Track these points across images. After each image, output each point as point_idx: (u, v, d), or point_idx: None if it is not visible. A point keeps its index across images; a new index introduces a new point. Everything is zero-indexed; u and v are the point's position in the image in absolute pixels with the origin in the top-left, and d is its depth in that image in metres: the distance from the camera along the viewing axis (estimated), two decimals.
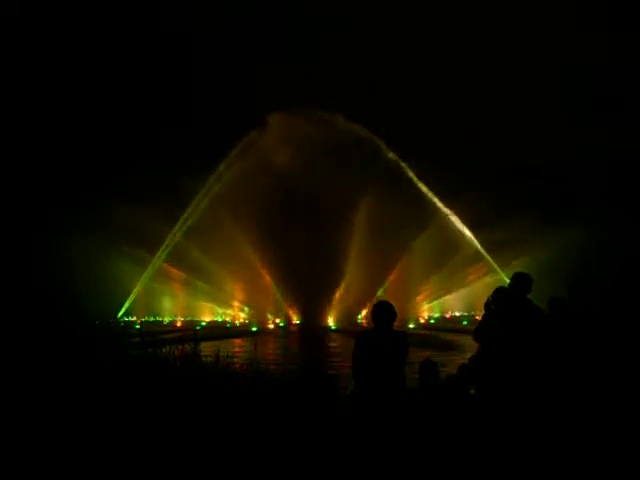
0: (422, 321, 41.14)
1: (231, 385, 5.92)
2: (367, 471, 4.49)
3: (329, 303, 40.18)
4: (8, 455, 4.46)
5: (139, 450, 4.57)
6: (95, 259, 32.86)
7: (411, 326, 34.68)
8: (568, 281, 5.52)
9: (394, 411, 4.73)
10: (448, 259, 39.20)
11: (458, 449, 4.65)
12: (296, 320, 40.99)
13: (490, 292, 5.48)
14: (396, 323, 5.03)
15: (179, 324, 40.45)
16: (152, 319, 42.74)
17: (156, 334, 8.66)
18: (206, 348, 7.39)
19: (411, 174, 39.94)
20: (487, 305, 5.44)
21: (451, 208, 39.86)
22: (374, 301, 5.39)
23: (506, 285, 5.60)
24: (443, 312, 45.48)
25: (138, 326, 30.89)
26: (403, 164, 39.85)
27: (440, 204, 40.06)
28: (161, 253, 40.08)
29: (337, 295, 40.02)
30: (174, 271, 40.76)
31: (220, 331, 31.02)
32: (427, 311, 44.74)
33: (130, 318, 41.00)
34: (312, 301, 39.00)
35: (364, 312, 35.88)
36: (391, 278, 36.94)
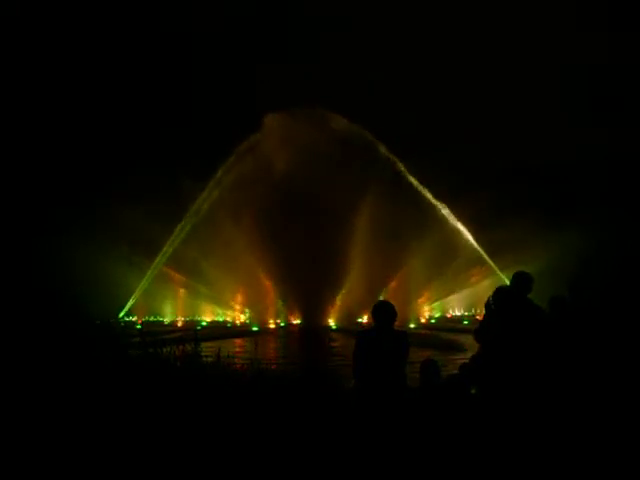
0: (423, 321, 41.15)
1: (232, 385, 5.92)
2: (368, 470, 4.49)
3: (330, 303, 40.18)
4: (8, 455, 4.46)
5: (139, 450, 4.57)
6: (95, 260, 32.83)
7: (412, 326, 34.67)
8: (569, 281, 5.51)
9: (394, 411, 4.73)
10: (450, 261, 39.21)
11: (459, 449, 4.65)
12: (297, 320, 40.98)
13: (491, 292, 5.48)
14: (397, 323, 5.03)
15: (180, 324, 40.47)
16: (153, 319, 42.77)
17: (157, 334, 8.67)
18: (207, 348, 7.39)
19: (411, 179, 39.98)
20: (488, 305, 5.44)
21: (452, 209, 39.88)
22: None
23: (507, 285, 5.60)
24: (444, 312, 45.51)
25: (139, 326, 30.89)
26: (403, 168, 39.87)
27: (441, 206, 40.10)
28: (162, 256, 40.17)
29: (338, 295, 40.02)
30: (175, 275, 40.89)
31: (221, 331, 31.01)
32: (428, 311, 44.76)
33: (131, 318, 41.04)
34: (312, 301, 38.98)
35: (365, 317, 35.84)
36: (393, 285, 36.91)
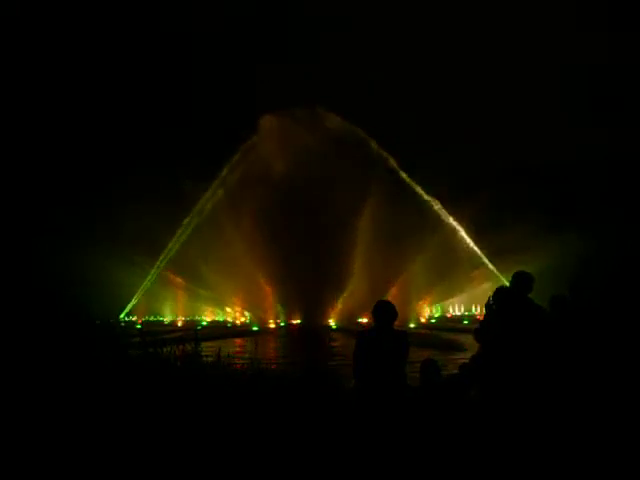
0: (423, 320, 41.16)
1: (232, 385, 5.91)
2: (368, 470, 4.49)
3: (330, 303, 40.15)
4: (8, 455, 4.46)
5: (139, 449, 4.57)
6: (95, 259, 32.85)
7: (412, 325, 34.66)
8: (569, 281, 5.51)
9: (395, 410, 4.73)
10: (451, 263, 39.19)
11: (459, 448, 4.64)
12: (297, 320, 40.97)
13: (491, 292, 5.48)
14: (397, 322, 5.03)
15: (180, 324, 40.52)
16: (153, 319, 42.80)
17: (157, 334, 8.68)
18: (207, 348, 7.38)
19: (403, 175, 40.03)
20: (488, 305, 5.43)
21: (452, 210, 39.90)
22: None
23: (507, 285, 5.59)
24: (444, 311, 45.54)
25: (139, 326, 30.88)
26: (405, 175, 39.94)
27: (434, 203, 40.15)
28: (164, 257, 40.25)
29: (339, 296, 39.98)
30: (176, 279, 40.98)
31: (221, 331, 31.02)
32: (428, 311, 44.79)
33: (131, 318, 41.07)
34: (312, 301, 38.96)
35: (365, 318, 35.85)
36: (394, 291, 36.88)
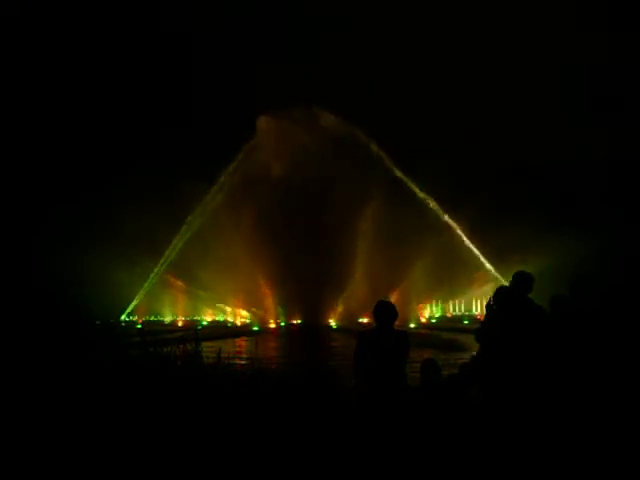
0: (423, 320, 41.16)
1: (232, 385, 5.91)
2: (368, 470, 4.49)
3: (330, 303, 40.17)
4: (8, 455, 4.45)
5: (140, 449, 4.57)
6: (95, 259, 32.84)
7: (412, 325, 34.66)
8: (569, 281, 5.50)
9: (395, 410, 4.73)
10: (452, 264, 39.23)
11: (459, 448, 4.64)
12: (297, 320, 40.99)
13: (492, 292, 5.48)
14: (397, 322, 5.03)
15: (180, 324, 40.51)
16: (153, 319, 42.79)
17: (157, 334, 8.66)
18: (207, 348, 7.38)
19: (409, 182, 40.10)
20: (488, 305, 5.43)
21: (452, 210, 39.97)
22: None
23: (507, 285, 5.59)
24: (444, 311, 45.55)
25: (139, 326, 30.89)
26: (400, 172, 39.99)
27: (437, 208, 40.25)
28: (166, 258, 40.36)
29: (340, 296, 40.00)
30: (176, 282, 41.10)
31: (221, 331, 31.03)
32: (428, 311, 44.81)
33: (131, 318, 41.08)
34: (313, 300, 38.98)
35: (366, 318, 35.89)
36: (395, 297, 36.96)
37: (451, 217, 40.30)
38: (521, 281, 5.37)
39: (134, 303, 41.22)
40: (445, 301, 44.68)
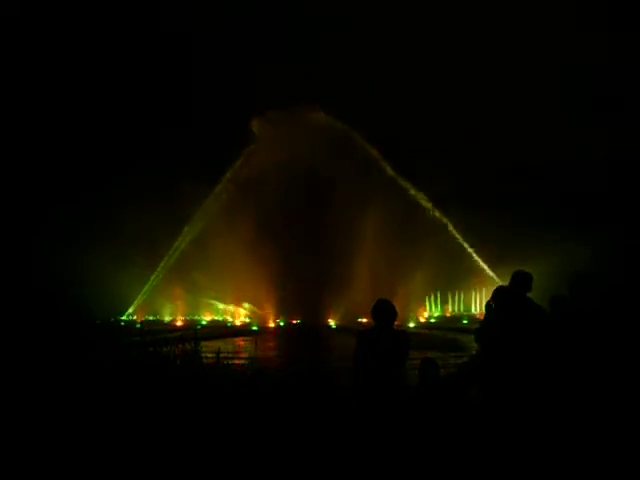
0: (422, 320, 41.17)
1: (231, 384, 5.91)
2: (368, 469, 4.49)
3: (330, 302, 40.20)
4: (8, 455, 4.46)
5: (140, 448, 4.57)
6: (95, 259, 32.86)
7: (411, 325, 34.67)
8: (569, 281, 5.50)
9: (394, 410, 4.73)
10: (451, 266, 39.32)
11: (458, 448, 4.64)
12: (297, 319, 41.02)
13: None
14: (396, 322, 5.03)
15: (179, 323, 40.52)
16: (153, 318, 42.80)
17: (157, 333, 8.67)
18: (207, 347, 7.38)
19: (400, 179, 40.21)
20: (488, 305, 5.43)
21: (452, 210, 40.03)
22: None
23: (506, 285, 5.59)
24: (444, 311, 45.58)
25: (139, 325, 30.90)
26: (391, 170, 40.09)
27: (428, 204, 40.36)
28: (164, 265, 40.44)
29: (339, 296, 40.02)
30: (177, 290, 41.21)
31: (221, 330, 31.05)
32: (428, 310, 44.86)
33: (131, 317, 41.13)
34: (313, 300, 39.01)
35: (366, 319, 35.97)
36: (396, 297, 37.01)
37: (451, 217, 40.35)
38: (520, 280, 5.36)
39: (136, 303, 41.34)
40: (445, 302, 44.71)
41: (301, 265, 37.84)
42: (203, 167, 38.16)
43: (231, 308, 43.75)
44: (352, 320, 36.44)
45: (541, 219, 36.12)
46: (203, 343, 6.98)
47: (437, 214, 40.71)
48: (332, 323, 38.94)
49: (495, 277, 37.37)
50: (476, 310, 42.19)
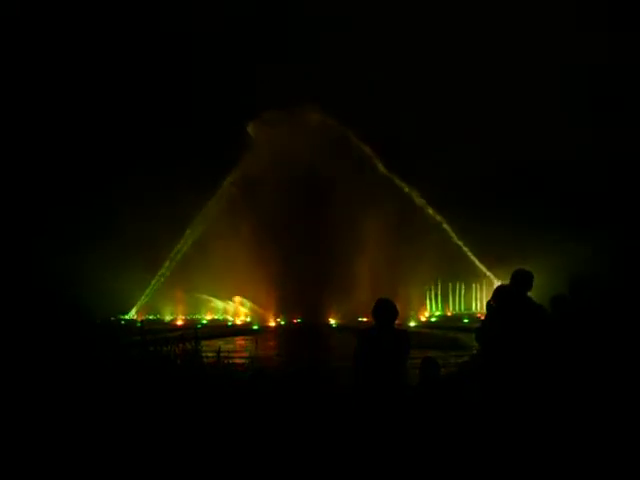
0: (423, 319, 41.20)
1: (232, 384, 5.91)
2: (368, 469, 4.49)
3: (330, 302, 40.24)
4: (8, 455, 4.46)
5: (140, 448, 4.57)
6: (95, 259, 32.87)
7: (412, 324, 34.68)
8: (569, 280, 5.50)
9: (395, 409, 4.73)
10: (451, 265, 39.39)
11: (458, 448, 4.64)
12: (297, 318, 41.04)
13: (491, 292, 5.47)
14: (397, 322, 5.03)
15: (180, 322, 40.55)
16: (153, 317, 42.86)
17: (157, 332, 8.66)
18: (207, 347, 7.38)
19: (393, 177, 40.25)
20: (489, 305, 5.43)
21: (451, 211, 40.11)
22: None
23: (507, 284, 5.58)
24: (444, 310, 45.64)
25: (139, 324, 30.90)
26: (383, 168, 40.14)
27: (421, 201, 40.45)
28: (166, 267, 40.54)
29: (340, 295, 40.06)
30: (178, 293, 41.29)
31: (221, 329, 31.08)
32: (428, 310, 44.91)
33: (131, 316, 41.19)
34: (313, 300, 39.05)
35: (366, 319, 36.02)
36: (396, 296, 37.07)
37: (449, 216, 40.40)
38: (520, 279, 5.36)
39: (138, 304, 41.47)
40: (445, 301, 44.77)
41: (301, 265, 37.87)
42: (203, 168, 38.21)
43: (231, 308, 43.80)
44: (353, 319, 36.47)
45: (541, 219, 36.16)
46: (203, 342, 6.99)
47: (430, 212, 40.82)
48: (333, 322, 38.96)
49: (491, 275, 37.41)
50: (477, 309, 42.24)
